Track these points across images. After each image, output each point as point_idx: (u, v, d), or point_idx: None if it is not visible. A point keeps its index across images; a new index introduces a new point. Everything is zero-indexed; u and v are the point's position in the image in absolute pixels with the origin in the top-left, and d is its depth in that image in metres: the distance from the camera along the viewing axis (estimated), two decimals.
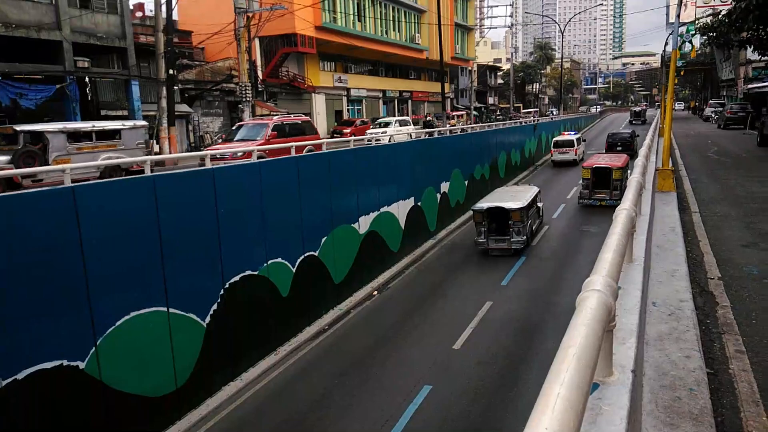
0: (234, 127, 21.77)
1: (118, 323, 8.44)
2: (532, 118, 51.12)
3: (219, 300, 10.31)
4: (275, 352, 11.63)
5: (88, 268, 7.93)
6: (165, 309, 9.21)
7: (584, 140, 37.92)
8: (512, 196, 17.77)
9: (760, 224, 9.57)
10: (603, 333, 1.61)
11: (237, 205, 10.75)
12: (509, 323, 12.26)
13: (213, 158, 15.25)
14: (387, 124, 31.29)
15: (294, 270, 12.41)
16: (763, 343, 4.59)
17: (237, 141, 18.85)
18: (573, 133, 37.06)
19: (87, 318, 7.98)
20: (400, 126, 31.23)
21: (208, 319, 10.07)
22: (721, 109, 46.12)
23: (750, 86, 42.38)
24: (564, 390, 1.19)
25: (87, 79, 21.37)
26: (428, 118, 43.84)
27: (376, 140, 23.73)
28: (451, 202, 21.41)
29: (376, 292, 14.91)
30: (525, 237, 16.87)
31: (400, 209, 17.38)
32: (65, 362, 7.68)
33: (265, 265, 11.50)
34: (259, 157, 14.74)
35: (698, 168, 18.32)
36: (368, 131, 30.16)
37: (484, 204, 17.15)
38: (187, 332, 9.64)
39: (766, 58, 25.29)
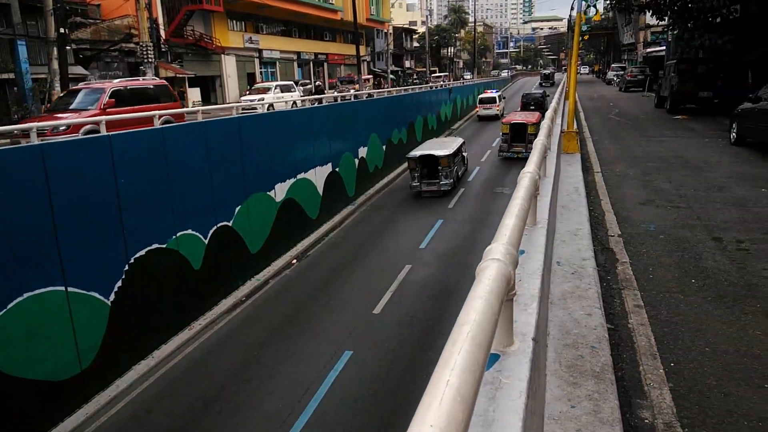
0: (63, 93, 17.84)
1: (9, 306, 7.78)
2: (442, 82, 50.64)
3: (124, 276, 9.73)
4: (189, 327, 11.22)
5: None
6: (63, 288, 8.58)
7: (504, 98, 41.82)
8: (440, 145, 20.33)
9: (656, 182, 10.15)
10: (501, 306, 1.53)
11: (139, 175, 10.09)
12: (427, 286, 12.46)
13: (24, 134, 12.21)
14: (266, 90, 27.13)
15: (206, 241, 11.93)
16: (659, 297, 4.82)
17: (69, 111, 15.25)
18: (495, 91, 41.59)
19: None
20: (282, 92, 26.88)
21: (112, 296, 9.50)
22: (622, 72, 48.38)
23: (648, 50, 44.89)
24: (454, 377, 1.09)
25: None
26: (318, 84, 38.06)
27: (252, 109, 20.53)
28: (369, 167, 21.32)
29: (295, 261, 14.70)
30: (452, 180, 19.46)
31: (318, 175, 17.09)
32: None
33: (174, 237, 10.96)
34: (89, 132, 12.33)
35: (600, 129, 19.22)
36: (242, 98, 26.20)
37: (417, 152, 19.52)
38: (90, 311, 9.06)
39: (663, 22, 26.69)
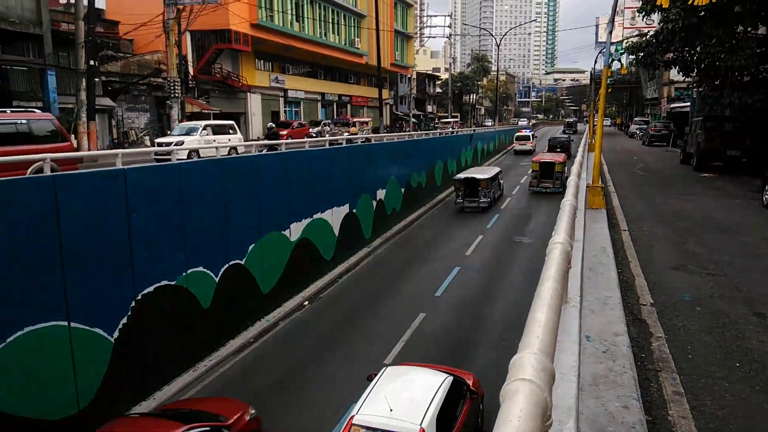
0: None
1: (9, 339, 7.50)
2: (451, 129, 47.68)
3: (129, 313, 9.45)
4: (194, 369, 10.84)
5: None
6: (65, 323, 8.30)
7: (536, 136, 50.19)
8: (481, 171, 25.24)
9: (687, 245, 9.62)
10: None
11: (152, 210, 9.92)
12: (441, 337, 11.98)
13: None
14: (190, 131, 19.84)
15: (217, 280, 11.65)
16: (701, 383, 4.29)
17: None
18: (528, 130, 50.53)
19: None
20: (213, 135, 19.99)
21: (116, 333, 9.20)
22: (645, 126, 48.19)
23: (673, 105, 44.69)
24: None
25: None
26: (270, 125, 28.92)
27: (166, 156, 15.51)
28: (387, 209, 21.08)
29: (306, 303, 14.33)
30: (489, 199, 23.70)
31: (335, 216, 16.87)
32: None
33: (184, 274, 10.70)
34: None
35: (625, 184, 18.80)
36: (159, 141, 20.26)
37: (461, 175, 24.26)
38: (92, 348, 8.75)
39: (689, 79, 26.54)
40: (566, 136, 45.60)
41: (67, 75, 22.91)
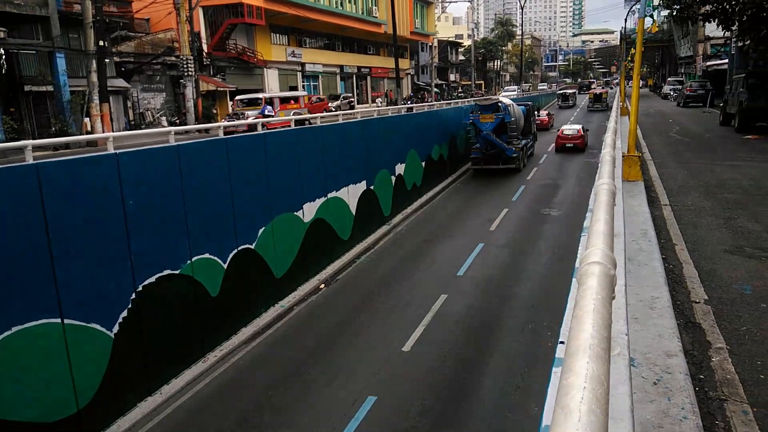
0: None
1: None
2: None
3: (130, 305, 8.93)
4: (203, 359, 10.36)
5: None
6: (59, 320, 7.79)
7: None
8: (599, 88, 63.67)
9: (739, 220, 8.34)
10: None
11: (150, 196, 9.31)
12: (464, 319, 11.28)
13: None
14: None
15: (225, 266, 11.08)
16: None
17: None
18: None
19: None
20: None
21: (116, 328, 8.70)
22: (680, 86, 46.07)
23: (709, 63, 42.30)
24: None
25: (1, 50, 19.08)
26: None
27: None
28: (407, 184, 20.25)
29: (323, 286, 13.75)
30: (603, 106, 50.37)
31: (351, 194, 16.13)
32: None
33: (189, 262, 10.14)
34: None
35: (662, 150, 17.40)
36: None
37: (591, 91, 57.74)
38: (89, 345, 8.26)
39: (728, 33, 24.66)
40: (587, 82, 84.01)
41: (77, 57, 22.37)
